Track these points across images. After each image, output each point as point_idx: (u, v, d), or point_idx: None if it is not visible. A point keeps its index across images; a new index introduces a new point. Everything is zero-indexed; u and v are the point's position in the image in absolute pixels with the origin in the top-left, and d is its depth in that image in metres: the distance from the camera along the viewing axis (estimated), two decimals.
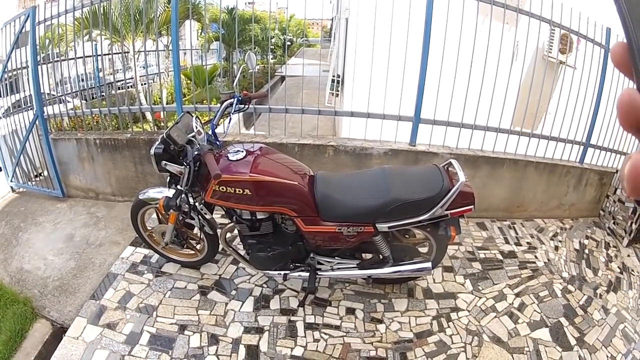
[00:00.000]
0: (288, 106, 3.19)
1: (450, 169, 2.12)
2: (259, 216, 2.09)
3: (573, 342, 2.32)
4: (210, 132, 2.20)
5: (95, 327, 2.21)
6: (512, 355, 2.20)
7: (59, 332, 2.31)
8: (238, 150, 2.06)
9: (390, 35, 2.95)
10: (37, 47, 3.35)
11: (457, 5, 2.95)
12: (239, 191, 1.94)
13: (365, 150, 3.15)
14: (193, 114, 2.21)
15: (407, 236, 2.38)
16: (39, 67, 3.36)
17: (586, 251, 3.24)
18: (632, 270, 3.09)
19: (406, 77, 3.04)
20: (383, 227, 2.02)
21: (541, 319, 2.46)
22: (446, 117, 3.19)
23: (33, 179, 3.90)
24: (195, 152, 1.95)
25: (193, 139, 2.05)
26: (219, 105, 2.29)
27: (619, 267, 3.10)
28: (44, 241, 3.06)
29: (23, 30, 3.36)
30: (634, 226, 3.31)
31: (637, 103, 0.30)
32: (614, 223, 3.57)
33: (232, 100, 2.21)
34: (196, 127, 2.10)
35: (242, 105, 2.27)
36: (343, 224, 2.03)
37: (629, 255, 3.28)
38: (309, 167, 2.24)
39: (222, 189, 1.95)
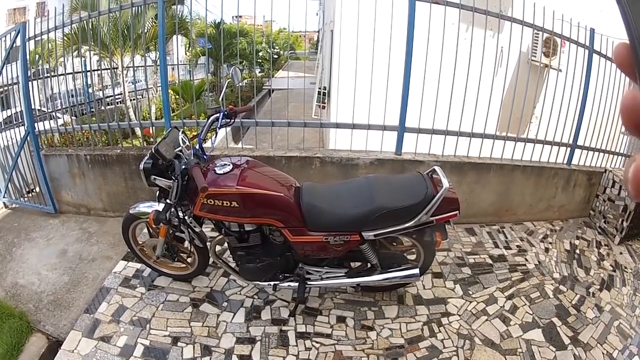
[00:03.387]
0: (274, 119, 3.22)
1: (434, 175, 2.15)
2: (247, 228, 2.12)
3: (567, 341, 2.34)
4: (197, 147, 2.22)
5: (90, 340, 2.23)
6: (505, 357, 2.21)
7: (54, 346, 2.32)
8: (225, 164, 2.10)
9: (373, 45, 2.99)
10: (28, 62, 3.38)
11: (439, 14, 3.00)
12: (227, 204, 1.97)
13: (352, 160, 3.18)
14: (180, 129, 2.24)
15: (394, 243, 2.41)
16: (30, 82, 3.38)
17: (577, 251, 3.26)
18: (625, 268, 3.12)
19: (390, 87, 3.08)
20: (369, 235, 2.05)
21: (533, 320, 2.48)
22: (431, 125, 3.23)
23: (25, 195, 3.91)
24: (183, 166, 1.99)
25: (180, 153, 2.08)
26: (206, 119, 2.32)
27: (611, 265, 3.13)
28: (37, 256, 3.07)
29: (13, 46, 3.38)
30: (625, 224, 3.35)
31: None
32: (604, 222, 3.59)
33: (218, 114, 2.24)
34: (183, 142, 2.13)
35: (228, 120, 2.30)
36: (330, 234, 2.05)
37: (621, 253, 3.31)
38: (296, 179, 2.27)
39: (210, 201, 1.98)
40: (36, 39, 3.35)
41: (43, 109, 4.01)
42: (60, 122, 3.67)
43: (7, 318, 2.43)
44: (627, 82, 3.35)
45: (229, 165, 2.08)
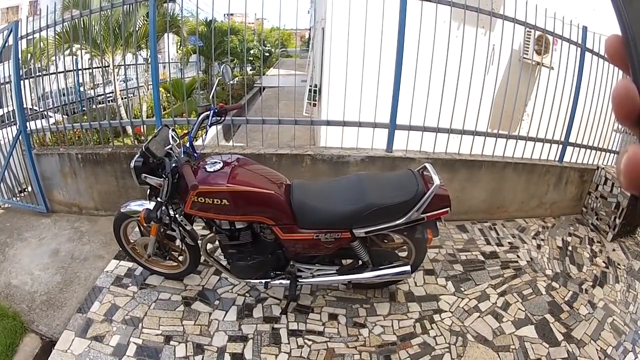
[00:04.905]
0: (265, 117, 3.22)
1: (425, 172, 2.15)
2: (238, 226, 2.11)
3: (560, 337, 2.35)
4: (188, 145, 2.22)
5: (83, 339, 2.22)
6: (497, 354, 2.22)
7: (48, 346, 2.31)
8: (215, 162, 2.09)
9: (364, 43, 2.99)
10: (20, 61, 3.36)
11: (430, 12, 3.00)
12: (217, 201, 1.97)
13: (343, 158, 3.18)
14: (170, 127, 2.24)
15: (385, 241, 2.41)
16: (22, 81, 3.36)
17: (569, 248, 3.28)
18: (618, 264, 3.13)
19: (381, 84, 3.08)
20: (360, 232, 2.05)
21: (526, 316, 2.49)
22: (422, 122, 3.23)
23: (17, 195, 3.88)
24: (173, 165, 1.98)
25: (171, 151, 2.08)
26: (196, 117, 2.32)
27: (604, 262, 3.14)
28: (30, 256, 3.06)
29: (6, 45, 3.36)
30: (617, 221, 3.36)
31: (632, 94, 0.30)
32: (597, 219, 3.61)
33: (208, 112, 2.24)
34: (174, 140, 2.12)
35: (219, 118, 2.29)
36: (320, 231, 2.06)
37: (614, 250, 3.33)
38: (287, 177, 2.27)
39: (201, 199, 1.98)
40: (28, 37, 3.33)
41: (35, 108, 3.99)
42: (52, 121, 3.65)
43: (1, 318, 2.42)
44: (619, 79, 3.37)
45: (220, 163, 2.08)
